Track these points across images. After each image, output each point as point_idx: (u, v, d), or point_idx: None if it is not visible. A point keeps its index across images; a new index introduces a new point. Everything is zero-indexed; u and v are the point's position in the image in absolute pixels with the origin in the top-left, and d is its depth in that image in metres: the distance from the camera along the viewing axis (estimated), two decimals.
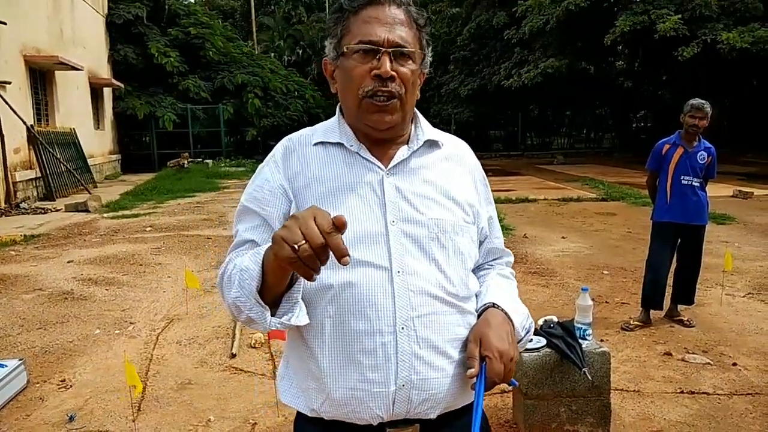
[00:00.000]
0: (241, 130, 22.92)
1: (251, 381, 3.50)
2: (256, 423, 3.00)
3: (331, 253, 0.86)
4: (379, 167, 1.16)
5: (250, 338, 4.06)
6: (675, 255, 4.43)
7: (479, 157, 1.36)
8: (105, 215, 9.95)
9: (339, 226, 0.85)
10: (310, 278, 0.88)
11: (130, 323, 4.52)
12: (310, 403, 1.16)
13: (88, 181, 14.12)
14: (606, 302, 4.88)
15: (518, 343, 1.18)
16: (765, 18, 16.14)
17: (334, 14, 1.17)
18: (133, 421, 3.00)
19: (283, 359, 1.27)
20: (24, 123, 11.71)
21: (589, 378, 2.69)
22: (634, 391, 3.29)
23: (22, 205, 10.90)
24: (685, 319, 4.36)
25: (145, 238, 7.84)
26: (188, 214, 9.90)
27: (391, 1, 1.13)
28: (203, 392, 3.36)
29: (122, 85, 18.78)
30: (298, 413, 1.23)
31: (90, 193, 12.24)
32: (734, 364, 3.62)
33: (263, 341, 3.99)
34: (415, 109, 1.22)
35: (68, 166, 13.24)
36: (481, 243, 1.29)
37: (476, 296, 1.23)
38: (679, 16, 16.08)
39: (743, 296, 5.03)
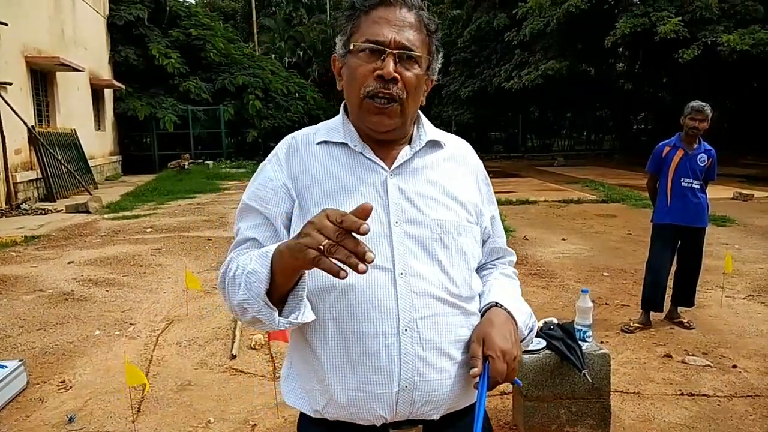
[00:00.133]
0: (242, 131, 22.94)
1: (251, 382, 3.50)
2: (255, 424, 3.00)
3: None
4: (382, 168, 1.16)
5: (250, 340, 4.06)
6: (675, 257, 4.43)
7: (480, 159, 1.37)
8: (105, 216, 9.95)
9: (363, 214, 0.85)
10: (337, 275, 0.87)
11: (131, 324, 4.52)
12: (313, 404, 1.16)
13: (89, 182, 14.13)
14: (606, 304, 4.88)
15: (521, 341, 1.18)
16: (765, 20, 16.15)
17: (346, 11, 1.17)
18: (133, 422, 3.00)
19: (287, 360, 1.27)
20: (25, 124, 11.72)
21: (589, 380, 2.69)
22: (634, 393, 3.29)
23: (23, 206, 10.90)
24: (685, 321, 4.36)
25: (146, 239, 7.85)
26: (189, 216, 9.91)
27: (403, 4, 1.12)
28: (203, 393, 3.36)
29: (123, 87, 18.79)
30: (302, 414, 1.23)
31: (91, 194, 12.24)
32: (734, 366, 3.62)
33: (263, 343, 3.99)
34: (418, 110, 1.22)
35: (69, 167, 13.25)
36: (484, 242, 1.29)
37: (479, 296, 1.23)
38: (680, 18, 16.09)
39: (743, 298, 5.03)
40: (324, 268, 0.88)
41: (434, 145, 1.23)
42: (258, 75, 22.57)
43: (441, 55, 1.22)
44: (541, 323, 2.87)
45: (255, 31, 30.95)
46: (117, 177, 18.40)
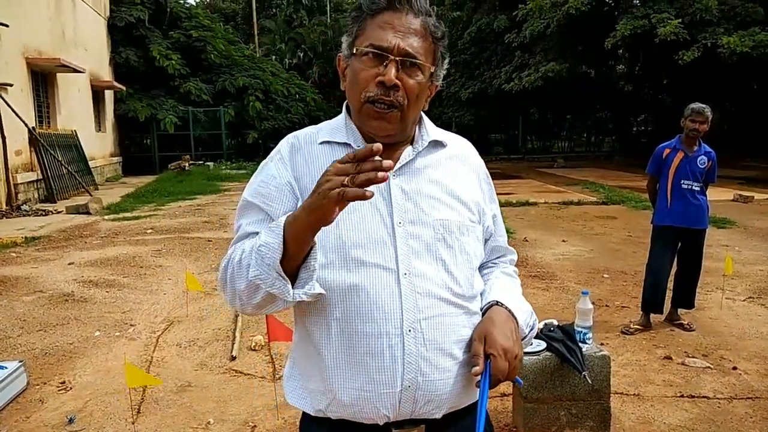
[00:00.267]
0: (242, 132, 22.94)
1: (251, 384, 3.50)
2: (255, 426, 3.00)
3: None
4: None
5: (250, 341, 4.06)
6: (675, 259, 4.43)
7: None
8: (106, 217, 9.95)
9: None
10: (364, 196, 0.90)
11: (131, 325, 4.52)
12: (316, 404, 1.17)
13: (89, 183, 14.13)
14: (606, 306, 4.88)
15: (522, 340, 1.18)
16: (765, 22, 16.16)
17: (353, 12, 1.17)
18: (133, 423, 3.00)
19: (289, 360, 1.28)
20: (25, 125, 11.73)
21: (589, 381, 2.69)
22: (634, 394, 3.29)
23: (24, 207, 10.91)
24: (686, 322, 4.36)
25: (146, 240, 7.85)
26: (189, 217, 9.91)
27: (410, 10, 1.12)
28: (203, 395, 3.36)
29: (123, 88, 18.80)
30: (304, 414, 1.23)
31: (91, 195, 12.25)
32: (734, 368, 3.62)
33: (263, 344, 3.99)
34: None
35: (69, 168, 13.25)
36: (485, 241, 1.30)
37: (480, 295, 1.24)
38: (680, 20, 16.10)
39: (743, 300, 5.03)
40: (351, 198, 0.91)
41: (436, 144, 1.24)
42: (258, 76, 22.59)
43: (446, 60, 1.21)
44: (541, 325, 2.87)
45: (255, 32, 30.97)
46: (117, 178, 18.40)
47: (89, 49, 16.88)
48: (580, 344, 2.76)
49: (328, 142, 1.20)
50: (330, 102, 26.37)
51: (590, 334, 2.86)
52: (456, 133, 1.33)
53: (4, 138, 10.76)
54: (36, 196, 12.08)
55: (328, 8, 33.86)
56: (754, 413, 3.07)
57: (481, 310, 1.21)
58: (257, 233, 1.14)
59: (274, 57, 29.09)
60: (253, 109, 21.79)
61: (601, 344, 3.67)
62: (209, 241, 7.69)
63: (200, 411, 3.16)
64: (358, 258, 1.10)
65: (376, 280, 1.10)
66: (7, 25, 10.95)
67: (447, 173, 1.22)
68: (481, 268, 1.30)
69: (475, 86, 24.94)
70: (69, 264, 6.48)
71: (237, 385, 3.48)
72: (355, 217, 1.12)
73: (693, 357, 3.79)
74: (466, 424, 1.18)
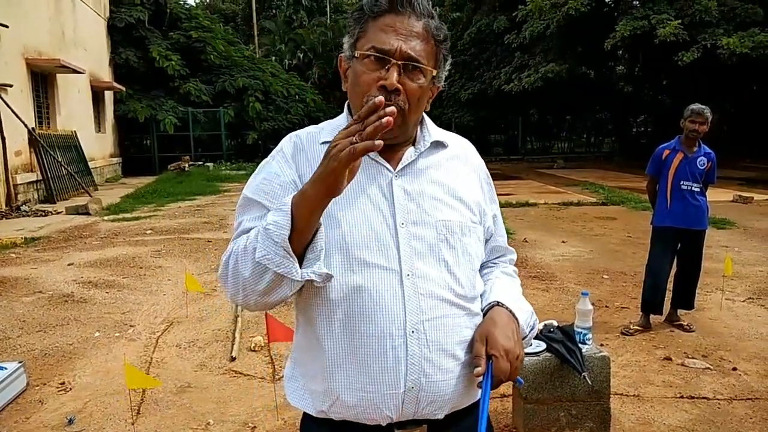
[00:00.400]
0: (242, 133, 22.94)
1: (251, 384, 3.50)
2: (255, 426, 3.00)
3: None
4: (388, 169, 1.16)
5: (250, 341, 4.06)
6: (675, 260, 4.43)
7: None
8: (105, 218, 9.95)
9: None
10: (375, 147, 0.92)
11: (130, 326, 4.52)
12: (318, 404, 1.16)
13: (89, 184, 14.13)
14: (606, 307, 4.88)
15: (523, 340, 1.19)
16: (765, 23, 16.18)
17: (355, 13, 1.16)
18: (132, 424, 3.00)
19: (289, 361, 1.27)
20: (25, 126, 11.73)
21: (589, 382, 2.69)
22: (633, 395, 3.29)
23: (23, 207, 10.90)
24: (685, 323, 4.36)
25: (146, 241, 7.85)
26: (189, 217, 9.91)
27: (412, 12, 1.11)
28: (203, 395, 3.36)
29: (123, 88, 18.80)
30: (305, 414, 1.23)
31: (91, 196, 12.24)
32: (734, 369, 3.62)
33: (263, 345, 3.99)
34: None
35: (69, 168, 13.25)
36: (486, 241, 1.30)
37: (480, 295, 1.24)
38: (679, 21, 16.11)
39: (743, 301, 5.03)
40: (362, 151, 0.92)
41: (438, 145, 1.24)
42: (258, 77, 22.59)
43: (448, 62, 1.21)
44: (541, 326, 2.87)
45: (255, 33, 30.98)
46: (117, 179, 18.40)
47: (89, 50, 16.88)
48: (579, 345, 2.76)
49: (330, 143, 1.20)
50: (330, 102, 26.37)
51: (590, 335, 2.86)
52: (456, 133, 1.33)
53: (3, 138, 10.76)
54: (35, 196, 12.07)
55: (327, 9, 33.85)
56: (753, 414, 3.07)
57: (482, 310, 1.21)
58: None
59: (273, 58, 29.09)
60: (252, 109, 21.79)
61: (601, 345, 3.67)
62: (209, 241, 7.69)
63: (200, 412, 3.16)
64: (362, 259, 1.10)
65: (379, 281, 1.10)
66: (7, 26, 10.95)
67: (449, 174, 1.22)
68: (481, 267, 1.30)
69: (474, 87, 24.95)
70: (68, 265, 6.48)
71: (237, 386, 3.47)
72: (358, 217, 1.12)
73: (693, 358, 3.79)
74: (467, 423, 1.18)
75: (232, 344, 4.03)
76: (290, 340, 2.38)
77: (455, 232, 1.17)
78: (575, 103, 26.07)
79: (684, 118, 4.26)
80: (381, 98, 0.91)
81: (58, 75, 14.08)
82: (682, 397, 3.27)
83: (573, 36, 19.94)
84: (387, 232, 1.12)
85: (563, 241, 7.60)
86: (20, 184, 11.39)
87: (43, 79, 13.64)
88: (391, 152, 1.18)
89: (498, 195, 1.36)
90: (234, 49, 23.24)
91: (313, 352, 1.16)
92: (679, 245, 4.39)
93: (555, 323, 2.90)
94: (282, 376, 1.41)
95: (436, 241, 1.14)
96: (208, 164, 20.19)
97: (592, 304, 3.13)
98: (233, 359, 3.84)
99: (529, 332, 1.24)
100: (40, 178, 12.19)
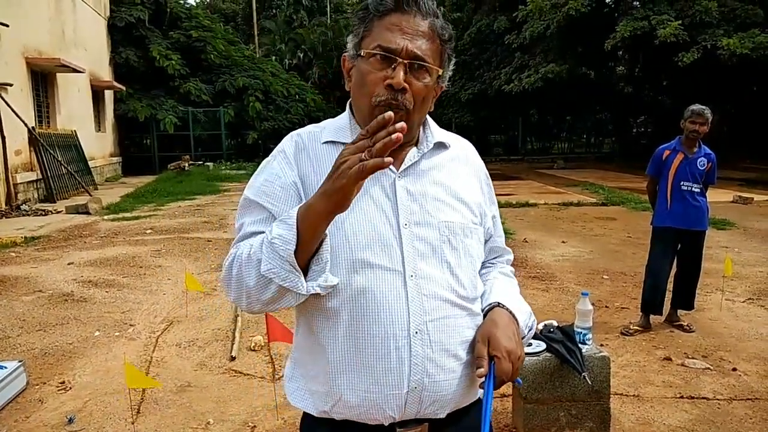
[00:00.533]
0: (242, 133, 22.93)
1: (251, 384, 3.50)
2: (255, 426, 3.00)
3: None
4: (391, 170, 1.15)
5: (250, 341, 4.06)
6: (675, 260, 4.43)
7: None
8: (105, 217, 9.95)
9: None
10: (384, 164, 0.91)
11: (130, 325, 4.52)
12: (319, 405, 1.16)
13: (89, 183, 14.13)
14: (606, 307, 4.88)
15: (521, 340, 1.19)
16: (765, 24, 16.19)
17: (360, 12, 1.15)
18: (132, 423, 3.00)
19: (290, 361, 1.27)
20: (25, 125, 11.73)
21: (589, 382, 2.69)
22: (633, 395, 3.29)
23: (23, 206, 10.90)
24: (685, 324, 4.36)
25: (146, 240, 7.85)
26: (188, 217, 9.91)
27: (417, 11, 1.11)
28: (202, 395, 3.36)
29: (123, 88, 18.79)
30: (305, 414, 1.23)
31: (90, 195, 12.24)
32: (734, 370, 3.62)
33: (263, 344, 3.99)
34: None
35: (69, 168, 13.25)
36: (485, 242, 1.30)
37: (480, 295, 1.24)
38: (680, 21, 16.12)
39: (743, 301, 5.03)
40: (371, 169, 0.91)
41: (440, 146, 1.24)
42: (258, 77, 22.58)
43: (453, 62, 1.21)
44: (541, 326, 2.87)
45: (255, 33, 30.98)
46: (117, 178, 18.40)
47: (89, 49, 16.87)
48: (579, 345, 2.76)
49: (333, 142, 1.19)
50: (330, 102, 26.38)
51: (590, 335, 2.86)
52: (456, 133, 1.33)
53: (3, 138, 10.76)
54: (35, 195, 12.07)
55: (328, 9, 33.86)
56: (753, 414, 3.08)
57: (482, 311, 1.21)
58: (261, 233, 1.12)
59: (274, 57, 29.08)
60: (252, 109, 21.79)
61: (601, 345, 3.67)
62: (209, 241, 7.69)
63: (200, 411, 3.16)
64: (365, 260, 1.10)
65: (383, 282, 1.10)
66: (7, 25, 10.95)
67: (450, 175, 1.22)
68: (480, 267, 1.30)
69: (474, 87, 24.96)
70: (68, 264, 6.48)
71: (236, 386, 3.47)
72: (361, 218, 1.12)
73: (693, 358, 3.79)
74: (467, 422, 1.19)
75: (232, 344, 4.03)
76: (290, 341, 2.39)
77: (457, 233, 1.17)
78: (575, 104, 26.08)
79: (684, 118, 4.26)
80: (390, 114, 0.90)
81: (58, 74, 14.08)
82: (682, 397, 3.27)
83: (573, 36, 19.94)
84: (390, 233, 1.12)
85: (563, 242, 7.60)
86: (20, 183, 11.39)
87: (43, 79, 13.64)
88: (393, 153, 1.18)
89: (498, 195, 1.36)
90: (234, 48, 23.24)
91: (314, 352, 1.16)
92: (679, 246, 4.39)
93: (555, 323, 2.90)
94: (282, 376, 1.41)
95: (439, 242, 1.14)
96: (208, 164, 20.19)
97: (592, 304, 3.13)
98: (233, 359, 3.84)
99: (528, 333, 1.24)
100: (40, 177, 12.19)
